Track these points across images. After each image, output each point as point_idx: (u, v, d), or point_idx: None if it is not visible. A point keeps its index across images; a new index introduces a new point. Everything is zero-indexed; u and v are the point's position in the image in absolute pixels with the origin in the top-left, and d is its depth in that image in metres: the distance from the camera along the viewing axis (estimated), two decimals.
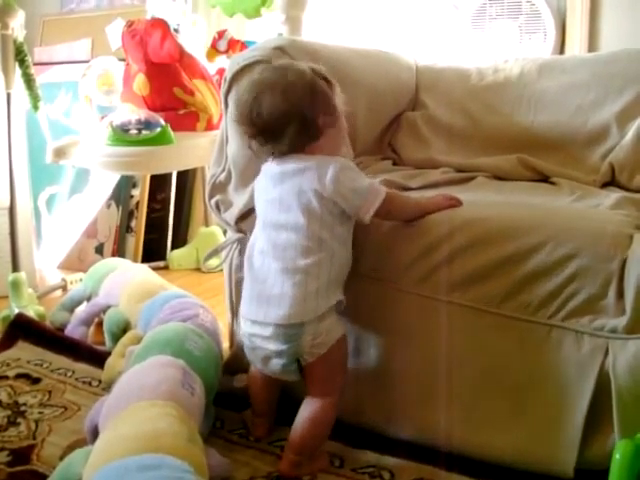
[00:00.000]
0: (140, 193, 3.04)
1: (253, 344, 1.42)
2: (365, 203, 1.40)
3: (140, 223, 3.02)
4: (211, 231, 3.02)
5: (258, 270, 1.42)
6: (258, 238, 1.46)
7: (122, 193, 3.04)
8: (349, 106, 1.48)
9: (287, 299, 1.36)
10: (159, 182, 3.08)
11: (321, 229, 1.39)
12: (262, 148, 1.45)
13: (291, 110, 1.38)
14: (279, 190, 1.42)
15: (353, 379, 1.51)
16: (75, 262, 3.01)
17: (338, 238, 1.42)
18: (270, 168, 1.46)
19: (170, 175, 3.08)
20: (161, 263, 3.01)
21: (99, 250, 3.03)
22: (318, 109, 1.40)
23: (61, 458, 1.36)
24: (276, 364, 1.41)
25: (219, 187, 1.71)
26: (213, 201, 1.72)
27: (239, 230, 1.68)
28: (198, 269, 2.94)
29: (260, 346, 1.41)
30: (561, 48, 2.48)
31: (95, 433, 1.34)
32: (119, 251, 2.99)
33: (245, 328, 1.44)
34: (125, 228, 3.03)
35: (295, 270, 1.37)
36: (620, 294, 1.31)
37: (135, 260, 2.93)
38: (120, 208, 3.03)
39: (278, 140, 1.41)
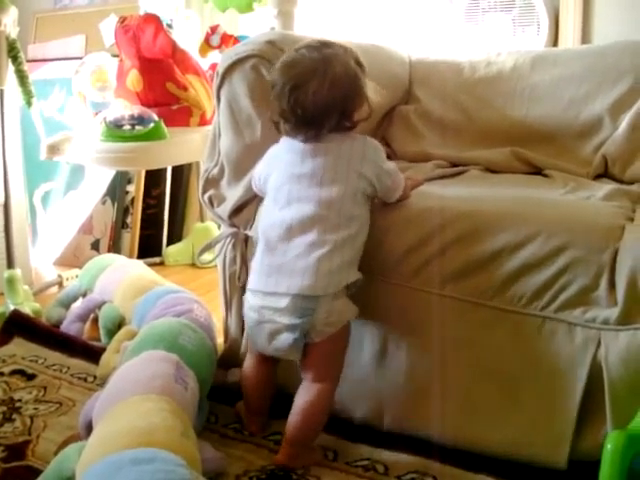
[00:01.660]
0: (135, 189, 3.03)
1: (262, 317, 1.41)
2: (393, 184, 1.48)
3: (135, 219, 3.02)
4: (206, 226, 3.02)
5: (277, 244, 1.41)
6: (275, 214, 1.44)
7: (117, 189, 3.03)
8: (378, 95, 1.49)
9: (312, 270, 1.36)
10: (154, 178, 3.08)
11: (353, 206, 1.41)
12: (291, 130, 1.44)
13: (334, 104, 1.39)
14: (310, 165, 1.42)
15: (347, 373, 1.51)
16: (71, 258, 3.01)
17: (365, 217, 1.45)
18: (297, 143, 1.45)
19: (165, 171, 3.07)
20: (157, 259, 3.01)
21: (95, 246, 3.03)
22: (356, 104, 1.43)
23: (56, 453, 1.36)
24: (286, 339, 1.39)
25: (212, 182, 1.71)
26: (206, 196, 1.72)
27: (232, 225, 1.68)
28: (194, 264, 2.94)
29: (270, 319, 1.39)
30: (554, 41, 2.48)
31: (89, 428, 1.34)
32: (115, 247, 2.99)
33: (254, 301, 1.43)
34: (120, 224, 3.03)
35: (323, 243, 1.37)
36: (612, 285, 1.31)
37: (131, 256, 2.93)
38: (115, 204, 3.03)
39: (312, 127, 1.41)
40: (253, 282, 1.45)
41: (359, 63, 1.45)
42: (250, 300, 1.45)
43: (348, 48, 1.45)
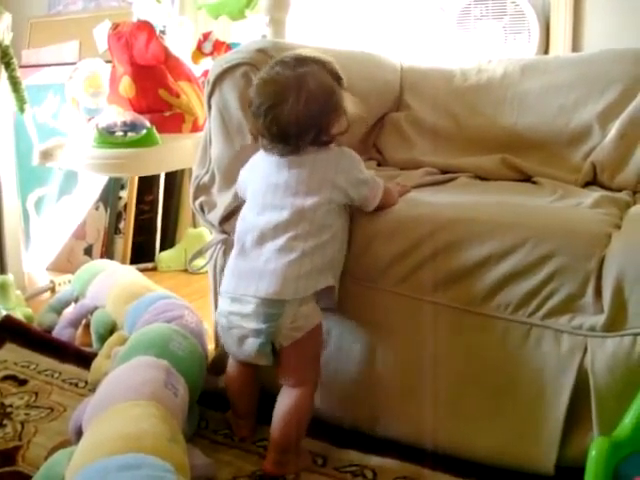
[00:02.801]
0: (128, 195, 3.04)
1: (230, 323, 1.43)
2: (371, 193, 1.48)
3: (128, 225, 3.03)
4: (199, 232, 3.03)
5: (250, 249, 1.43)
6: (251, 220, 1.46)
7: (110, 195, 3.04)
8: (360, 110, 1.50)
9: (280, 274, 1.37)
10: (147, 184, 3.08)
11: (326, 216, 1.42)
12: (268, 144, 1.45)
13: (310, 121, 1.40)
14: (285, 176, 1.43)
15: (337, 379, 1.52)
16: (64, 264, 3.01)
17: (339, 227, 1.46)
18: (273, 156, 1.46)
19: (158, 177, 3.08)
20: (150, 264, 3.02)
21: (88, 252, 3.03)
22: (334, 120, 1.43)
23: (46, 459, 1.36)
24: (252, 344, 1.41)
25: (203, 188, 1.72)
26: (197, 202, 1.73)
27: (223, 231, 1.69)
28: (186, 270, 2.94)
29: (238, 325, 1.41)
30: (545, 48, 2.49)
31: (79, 434, 1.34)
32: (108, 253, 2.99)
33: (224, 306, 1.45)
34: (113, 230, 3.04)
35: (292, 249, 1.38)
36: (598, 292, 1.32)
37: (124, 262, 2.93)
38: (108, 210, 3.03)
39: (288, 144, 1.42)
40: (224, 285, 1.47)
41: (336, 76, 1.45)
42: (220, 306, 1.47)
43: (325, 62, 1.45)
